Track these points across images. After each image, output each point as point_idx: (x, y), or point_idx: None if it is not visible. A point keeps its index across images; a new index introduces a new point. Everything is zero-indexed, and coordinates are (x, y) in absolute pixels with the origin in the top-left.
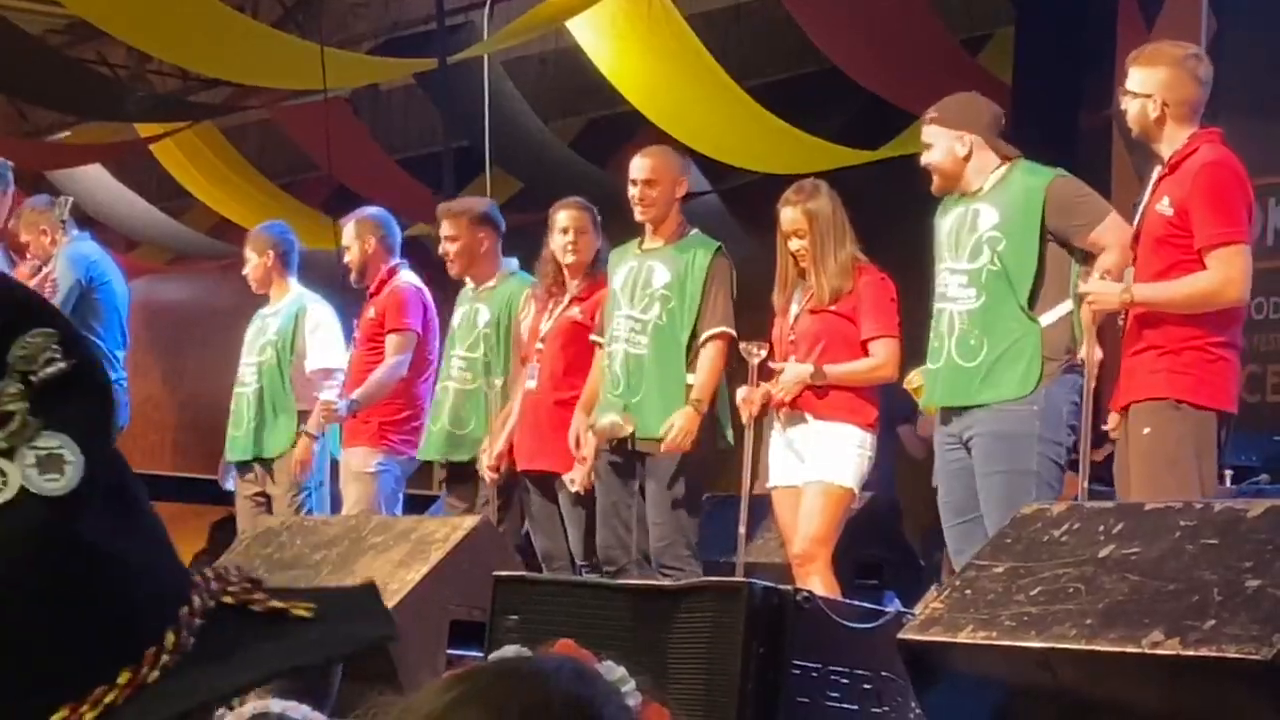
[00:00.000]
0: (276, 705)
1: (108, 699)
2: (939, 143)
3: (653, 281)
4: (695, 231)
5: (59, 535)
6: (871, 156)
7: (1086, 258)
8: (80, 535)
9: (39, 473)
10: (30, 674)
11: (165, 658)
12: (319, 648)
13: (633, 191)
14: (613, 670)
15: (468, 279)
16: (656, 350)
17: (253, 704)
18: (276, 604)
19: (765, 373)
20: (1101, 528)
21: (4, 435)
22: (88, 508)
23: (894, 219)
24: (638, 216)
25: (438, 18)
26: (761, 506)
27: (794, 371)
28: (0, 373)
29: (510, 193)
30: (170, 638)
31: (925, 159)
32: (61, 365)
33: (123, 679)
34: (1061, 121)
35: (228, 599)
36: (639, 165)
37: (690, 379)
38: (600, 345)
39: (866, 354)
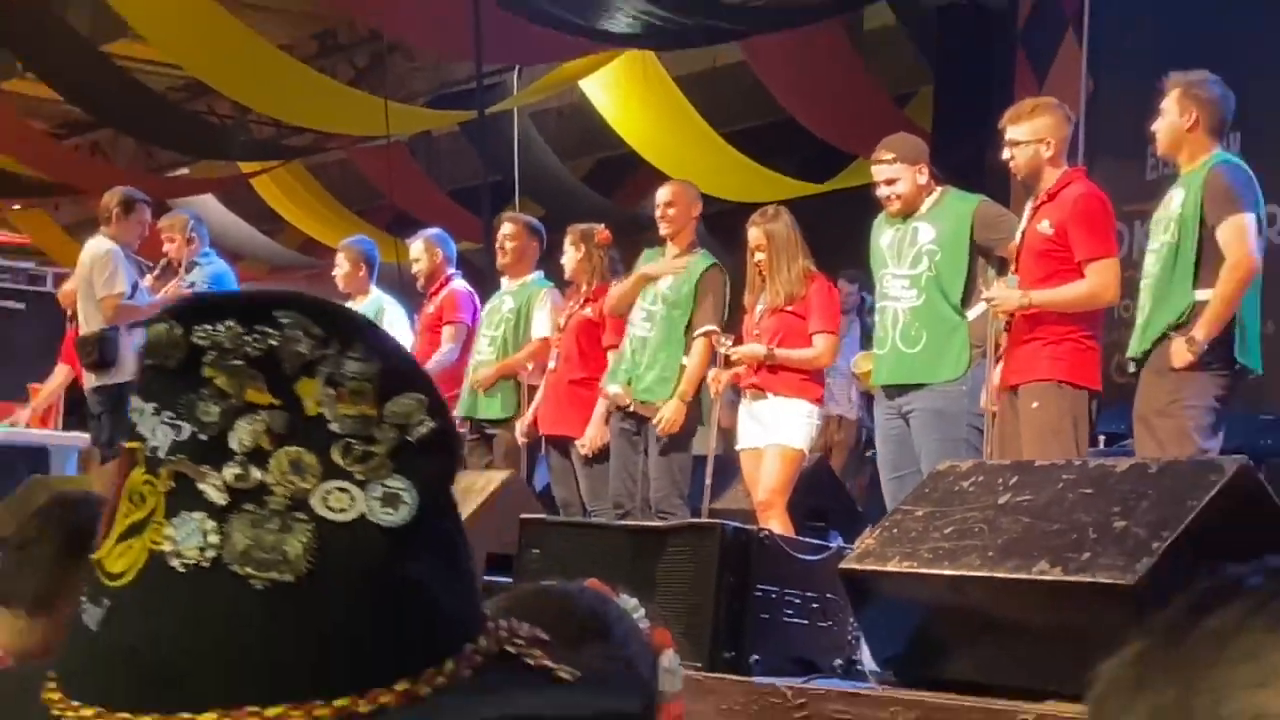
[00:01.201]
0: None
1: (382, 700)
2: (904, 176)
3: (661, 283)
4: (702, 250)
5: (381, 559)
6: (821, 189)
7: (1003, 264)
8: (398, 563)
9: (380, 505)
10: (326, 666)
11: (440, 680)
12: (564, 707)
13: (657, 212)
14: (628, 601)
15: (505, 276)
16: (659, 335)
17: None
18: (547, 663)
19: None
20: (1000, 481)
21: (363, 470)
22: (412, 544)
23: (838, 238)
24: (661, 231)
25: (477, 78)
26: (731, 466)
27: (750, 348)
28: (379, 422)
29: (535, 217)
30: (449, 665)
31: (891, 190)
32: (429, 426)
33: (400, 687)
34: (972, 161)
35: (510, 649)
36: (661, 193)
37: (685, 360)
38: None
39: (811, 345)
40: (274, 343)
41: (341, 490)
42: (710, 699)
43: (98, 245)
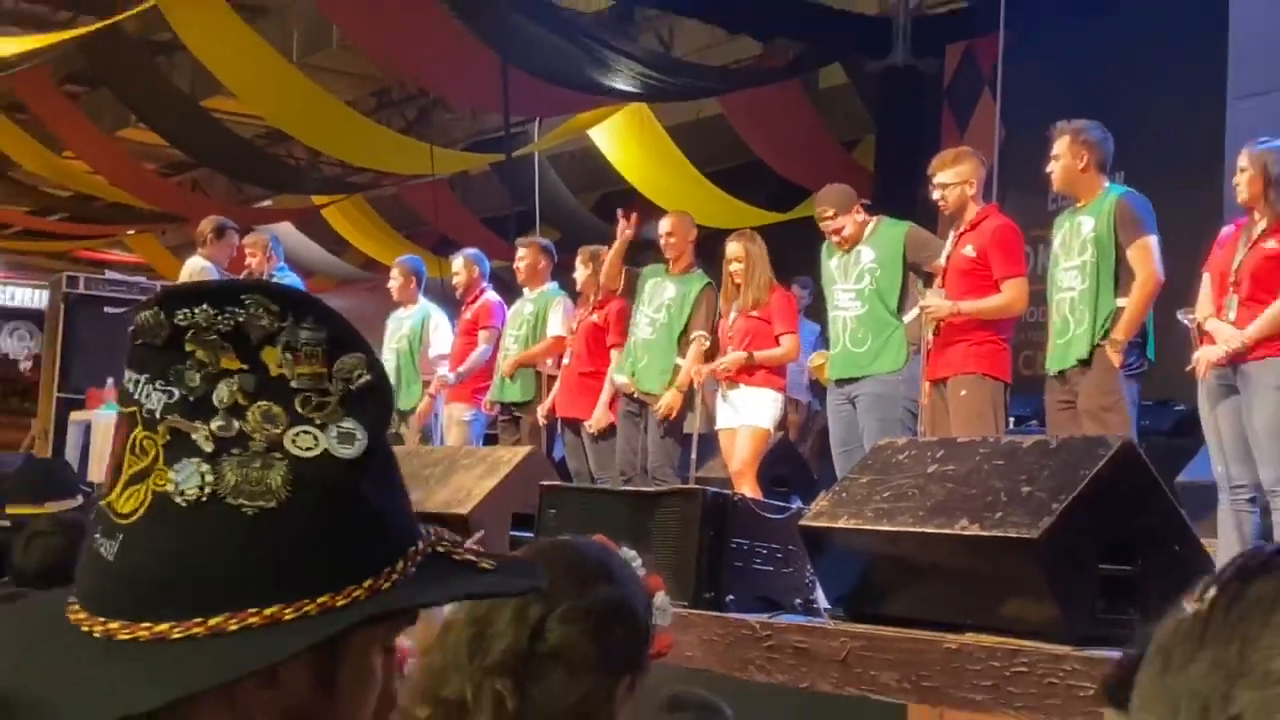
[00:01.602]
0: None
1: (355, 594)
2: (845, 222)
3: (663, 295)
4: (699, 270)
5: (344, 484)
6: (784, 217)
7: (929, 278)
8: (356, 486)
9: (338, 442)
10: (309, 571)
11: (395, 575)
12: (490, 588)
13: (660, 240)
14: (628, 552)
15: (525, 288)
16: (658, 337)
17: None
18: (470, 557)
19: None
20: (929, 454)
21: (321, 416)
22: (364, 472)
23: (797, 257)
24: (666, 255)
25: (505, 128)
26: (712, 442)
27: (733, 357)
28: (329, 378)
29: (552, 240)
30: (400, 564)
31: (843, 234)
32: (367, 378)
33: (366, 584)
34: (907, 195)
35: (441, 548)
36: (663, 223)
37: (679, 361)
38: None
39: (779, 344)
40: (240, 319)
41: (306, 433)
42: (693, 631)
43: (195, 263)
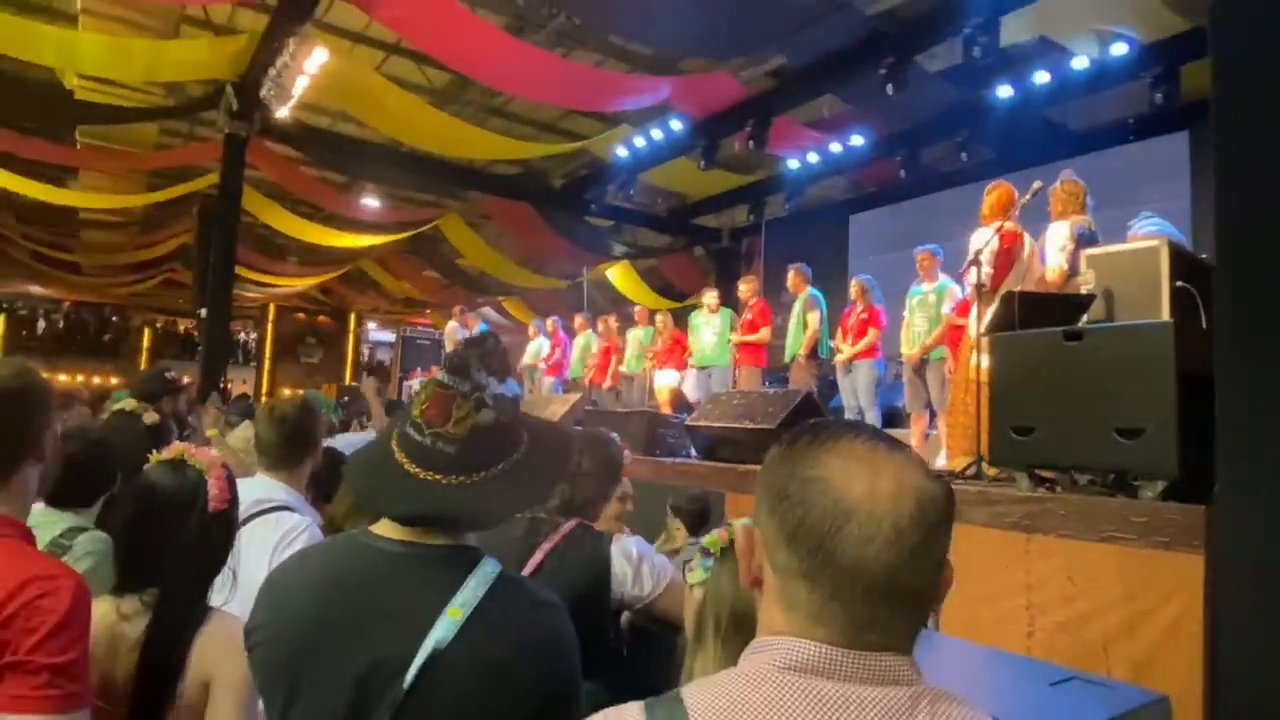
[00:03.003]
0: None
1: (503, 465)
2: (710, 302)
3: (639, 335)
4: (649, 325)
5: (513, 409)
6: (680, 305)
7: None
8: (515, 407)
9: (518, 387)
10: (512, 443)
11: (515, 456)
12: (551, 477)
13: (635, 316)
14: (615, 435)
15: (579, 333)
16: (636, 354)
17: None
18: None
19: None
20: (736, 397)
21: (505, 376)
22: (517, 405)
23: (687, 318)
24: (634, 318)
25: (571, 272)
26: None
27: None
28: (503, 361)
29: (591, 314)
30: (524, 448)
31: (707, 305)
32: (509, 360)
33: (515, 457)
34: (730, 296)
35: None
36: (637, 307)
37: (646, 363)
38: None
39: (688, 351)
40: (486, 347)
41: (504, 384)
42: (642, 465)
43: (451, 324)
